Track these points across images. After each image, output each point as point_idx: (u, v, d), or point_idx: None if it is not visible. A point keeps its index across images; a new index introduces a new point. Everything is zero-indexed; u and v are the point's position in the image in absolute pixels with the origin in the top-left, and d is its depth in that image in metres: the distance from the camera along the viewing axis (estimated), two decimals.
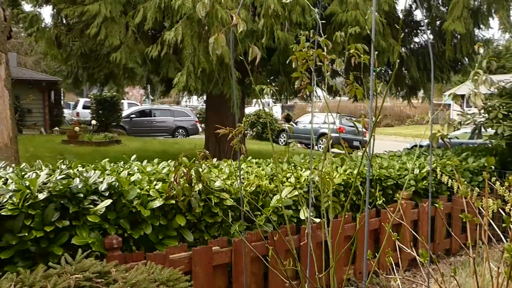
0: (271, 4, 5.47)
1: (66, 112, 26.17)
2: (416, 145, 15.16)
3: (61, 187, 2.51)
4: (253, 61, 2.42)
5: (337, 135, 17.39)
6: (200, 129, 22.99)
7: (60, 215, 2.47)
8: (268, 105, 29.34)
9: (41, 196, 2.39)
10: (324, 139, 18.75)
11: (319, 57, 2.52)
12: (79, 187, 2.59)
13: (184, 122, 22.17)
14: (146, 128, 21.25)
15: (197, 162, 2.23)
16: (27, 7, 9.63)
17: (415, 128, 32.27)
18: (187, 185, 2.22)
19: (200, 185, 2.69)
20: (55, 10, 8.69)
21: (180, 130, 22.02)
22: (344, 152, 2.47)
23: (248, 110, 24.12)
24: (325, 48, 2.32)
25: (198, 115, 25.63)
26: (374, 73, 1.68)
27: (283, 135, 20.75)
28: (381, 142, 21.07)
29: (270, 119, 21.21)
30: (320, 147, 18.86)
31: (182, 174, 2.15)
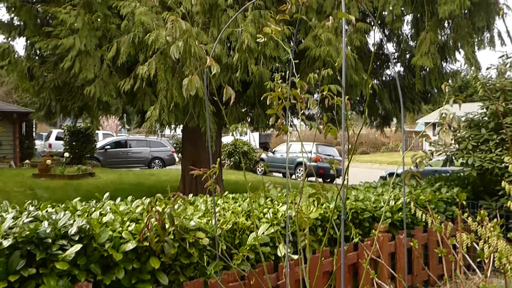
0: (245, 40, 5.57)
1: (38, 143, 25.52)
2: (391, 173, 15.41)
3: (28, 232, 2.40)
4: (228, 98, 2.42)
5: (315, 163, 17.54)
6: (177, 159, 22.76)
7: (26, 263, 2.34)
8: (246, 134, 29.43)
9: (6, 243, 2.27)
10: (301, 169, 18.83)
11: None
12: (47, 231, 2.48)
13: (160, 153, 21.94)
14: (122, 160, 20.89)
15: (170, 205, 2.18)
16: None
17: (389, 155, 32.90)
18: (161, 230, 2.16)
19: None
20: (28, 42, 8.60)
21: (157, 160, 21.75)
22: (319, 188, 2.47)
23: (226, 139, 24.11)
24: (299, 88, 2.34)
25: (174, 145, 25.43)
26: (345, 116, 1.70)
27: (260, 165, 20.76)
28: (357, 169, 21.36)
29: (247, 149, 21.20)
30: (297, 176, 18.93)
31: (155, 220, 2.10)
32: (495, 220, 2.65)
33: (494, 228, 2.55)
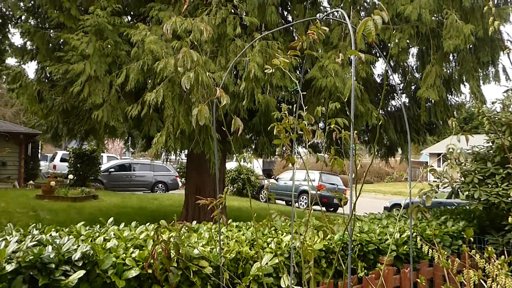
0: (252, 69, 5.66)
1: (43, 164, 25.66)
2: (395, 204, 15.25)
3: (32, 257, 2.39)
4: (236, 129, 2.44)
5: (319, 192, 17.46)
6: (180, 184, 22.72)
7: None
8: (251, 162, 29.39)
9: (9, 268, 2.26)
10: (304, 197, 18.75)
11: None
12: (51, 256, 2.47)
13: (164, 177, 21.94)
14: (125, 183, 20.90)
15: (175, 233, 2.17)
16: (11, 60, 9.74)
17: (393, 185, 32.71)
18: (166, 259, 2.15)
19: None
20: (39, 66, 8.78)
21: (160, 185, 21.73)
22: (326, 221, 2.46)
23: (229, 165, 24.12)
24: (306, 121, 2.37)
25: (178, 169, 25.46)
26: (354, 150, 1.72)
27: (263, 192, 20.69)
28: (361, 199, 21.11)
29: (250, 175, 21.19)
30: (301, 204, 18.82)
31: (160, 250, 2.09)
32: (502, 257, 2.62)
33: (502, 266, 2.52)
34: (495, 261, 2.64)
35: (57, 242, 2.70)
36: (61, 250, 2.58)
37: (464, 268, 2.68)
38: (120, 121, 7.06)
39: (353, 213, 1.69)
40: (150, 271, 2.71)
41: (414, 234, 4.21)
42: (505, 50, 2.41)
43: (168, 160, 10.98)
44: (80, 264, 2.55)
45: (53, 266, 2.44)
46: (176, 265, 2.84)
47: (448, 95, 8.21)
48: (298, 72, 8.14)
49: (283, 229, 4.20)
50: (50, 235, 3.00)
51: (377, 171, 36.56)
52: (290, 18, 8.95)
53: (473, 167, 5.32)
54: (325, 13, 8.28)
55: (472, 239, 4.85)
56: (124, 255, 2.82)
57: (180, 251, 2.16)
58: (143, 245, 3.05)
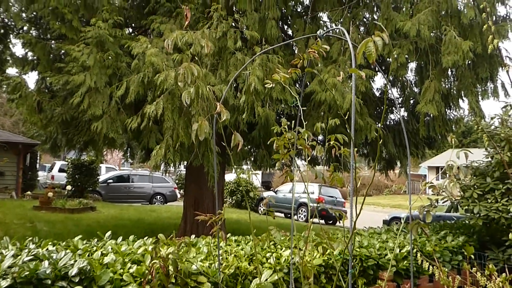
0: (252, 83, 5.69)
1: (41, 174, 25.52)
2: (394, 217, 15.17)
3: (28, 272, 2.36)
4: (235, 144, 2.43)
5: (318, 205, 17.39)
6: (179, 195, 22.63)
7: None
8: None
9: (4, 284, 2.23)
10: (303, 209, 18.68)
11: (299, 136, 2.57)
12: (47, 272, 2.44)
13: (162, 189, 21.86)
14: (123, 194, 20.81)
15: (174, 249, 2.15)
16: (12, 70, 9.76)
17: (392, 198, 32.64)
18: (164, 276, 2.13)
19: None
20: (40, 76, 8.79)
21: (158, 196, 21.64)
22: (325, 237, 2.44)
23: (228, 177, 24.06)
24: (306, 136, 2.37)
25: (177, 181, 25.38)
26: (354, 167, 1.71)
27: (262, 204, 20.65)
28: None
29: (250, 187, 21.15)
30: (300, 217, 18.76)
31: (158, 266, 2.06)
32: (504, 275, 2.60)
33: (504, 283, 2.50)
34: (496, 279, 2.62)
35: (53, 257, 2.68)
36: (58, 265, 2.56)
37: (465, 286, 2.66)
38: (120, 132, 7.04)
39: (354, 231, 1.67)
40: (148, 287, 2.67)
41: (414, 250, 4.18)
42: (505, 67, 2.42)
43: (167, 172, 10.94)
44: (76, 280, 2.52)
45: (49, 282, 2.41)
46: (174, 281, 2.80)
47: (446, 109, 8.24)
48: (297, 86, 8.17)
49: (282, 243, 4.16)
50: (47, 249, 2.97)
51: (376, 184, 36.48)
52: (290, 32, 9.00)
53: (473, 182, 5.31)
54: (324, 28, 8.36)
55: (472, 255, 4.81)
56: (122, 270, 2.79)
57: (179, 268, 2.13)
58: (141, 260, 3.02)
